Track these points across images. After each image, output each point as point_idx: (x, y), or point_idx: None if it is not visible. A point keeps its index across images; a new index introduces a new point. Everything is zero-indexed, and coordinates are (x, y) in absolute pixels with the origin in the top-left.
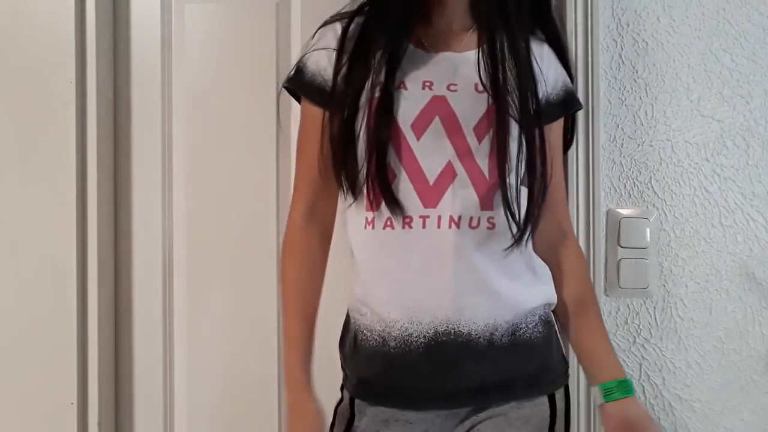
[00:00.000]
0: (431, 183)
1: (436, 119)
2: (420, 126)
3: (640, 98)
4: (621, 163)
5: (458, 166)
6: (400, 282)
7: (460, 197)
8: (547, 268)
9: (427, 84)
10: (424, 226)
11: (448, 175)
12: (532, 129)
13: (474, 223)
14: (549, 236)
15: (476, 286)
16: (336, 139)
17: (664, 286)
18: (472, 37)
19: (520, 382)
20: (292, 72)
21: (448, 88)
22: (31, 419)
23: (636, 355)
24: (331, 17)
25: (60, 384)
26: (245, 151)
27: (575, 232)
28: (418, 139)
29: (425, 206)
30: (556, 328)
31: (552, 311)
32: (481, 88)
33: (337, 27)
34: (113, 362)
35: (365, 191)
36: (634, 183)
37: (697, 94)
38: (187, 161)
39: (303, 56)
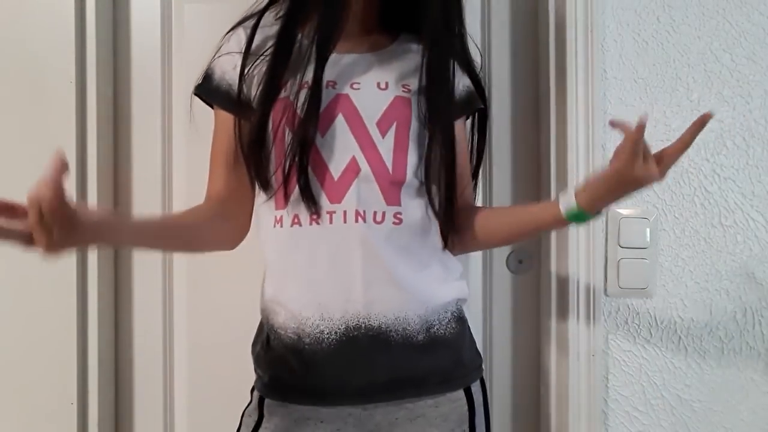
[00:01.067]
0: (336, 178)
1: (340, 116)
2: (324, 123)
3: (640, 98)
4: None
5: (362, 161)
6: (309, 279)
7: (365, 192)
8: (458, 263)
9: (331, 83)
10: (330, 222)
11: (352, 170)
12: (448, 128)
13: (379, 218)
14: (463, 212)
15: (384, 280)
16: (248, 139)
17: (664, 286)
18: (376, 38)
19: (434, 378)
20: (201, 79)
21: (351, 86)
22: (31, 419)
23: (636, 355)
24: (235, 24)
25: (60, 384)
26: None
27: (575, 232)
28: (322, 136)
29: (331, 201)
30: (467, 322)
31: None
32: (383, 86)
33: (240, 33)
34: (113, 362)
35: (276, 189)
36: None
37: (697, 94)
38: (187, 161)
39: (210, 63)
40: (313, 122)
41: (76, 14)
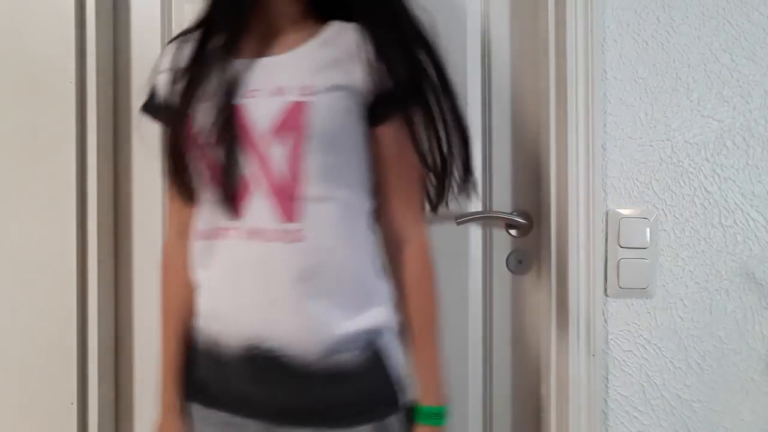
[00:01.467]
0: (234, 195)
1: (233, 129)
2: (220, 137)
3: (640, 98)
4: (621, 163)
5: (257, 177)
6: (216, 294)
7: (261, 209)
8: (385, 286)
9: (232, 92)
10: (233, 239)
11: (246, 186)
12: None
13: (277, 236)
14: (387, 243)
15: (281, 302)
16: (170, 152)
17: (664, 286)
18: (299, 35)
19: (337, 411)
20: (147, 96)
21: (248, 95)
22: (31, 419)
23: (636, 355)
24: (173, 38)
25: (60, 384)
26: None
27: (575, 232)
28: (220, 150)
29: (231, 217)
30: (387, 353)
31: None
32: (281, 91)
33: (173, 47)
34: (113, 362)
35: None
36: (634, 183)
37: (697, 94)
38: None
39: (152, 80)
40: (217, 136)
41: (76, 14)
